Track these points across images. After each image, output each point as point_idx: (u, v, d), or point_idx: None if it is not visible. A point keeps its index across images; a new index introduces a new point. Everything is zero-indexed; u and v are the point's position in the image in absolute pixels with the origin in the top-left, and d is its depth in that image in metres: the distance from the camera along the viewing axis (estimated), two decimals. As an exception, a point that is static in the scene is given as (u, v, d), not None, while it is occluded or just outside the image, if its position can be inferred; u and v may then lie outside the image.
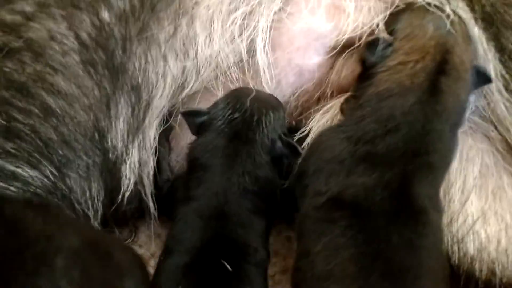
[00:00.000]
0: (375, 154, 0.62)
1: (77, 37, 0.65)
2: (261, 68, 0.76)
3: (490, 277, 0.70)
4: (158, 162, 0.75)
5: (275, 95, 0.79)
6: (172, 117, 0.75)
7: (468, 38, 0.68)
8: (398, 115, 0.63)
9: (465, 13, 0.68)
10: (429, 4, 0.69)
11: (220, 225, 0.64)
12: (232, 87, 0.77)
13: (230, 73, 0.75)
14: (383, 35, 0.70)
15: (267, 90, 0.78)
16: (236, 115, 0.68)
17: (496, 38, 0.67)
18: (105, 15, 0.65)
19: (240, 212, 0.65)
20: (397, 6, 0.72)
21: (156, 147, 0.73)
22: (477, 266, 0.70)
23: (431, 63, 0.65)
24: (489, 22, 0.67)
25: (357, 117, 0.65)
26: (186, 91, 0.73)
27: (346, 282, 0.56)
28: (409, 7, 0.71)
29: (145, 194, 0.73)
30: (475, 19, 0.68)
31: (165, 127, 0.74)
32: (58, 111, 0.64)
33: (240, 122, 0.68)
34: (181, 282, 0.60)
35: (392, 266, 0.56)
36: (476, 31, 0.68)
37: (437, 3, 0.69)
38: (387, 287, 0.55)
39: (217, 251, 0.61)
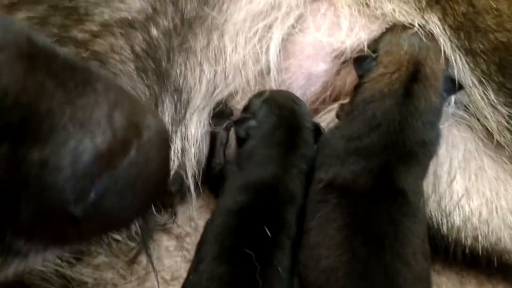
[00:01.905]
0: (362, 148, 0.74)
1: (133, 49, 0.79)
2: (277, 72, 0.91)
3: (474, 244, 0.82)
4: (215, 147, 0.88)
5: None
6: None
7: (439, 52, 0.81)
8: (379, 115, 0.76)
9: (437, 25, 0.81)
10: (408, 23, 0.83)
11: (270, 200, 0.75)
12: (252, 88, 0.90)
13: (251, 77, 0.89)
14: (368, 52, 0.83)
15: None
16: (285, 112, 0.82)
17: (467, 42, 0.80)
18: (154, 32, 0.80)
19: (290, 190, 0.76)
20: (383, 26, 0.86)
21: (196, 138, 0.86)
22: (463, 235, 0.82)
23: (405, 73, 0.78)
24: (460, 29, 0.80)
25: (349, 119, 0.79)
26: (216, 91, 0.88)
27: (333, 248, 0.67)
28: (390, 28, 0.85)
29: (187, 177, 0.86)
30: (445, 29, 0.80)
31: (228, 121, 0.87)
32: None
33: (290, 116, 0.82)
34: (227, 239, 0.71)
35: (371, 234, 0.67)
36: (446, 41, 0.81)
37: (414, 23, 0.82)
38: (367, 251, 0.65)
39: (261, 220, 0.72)
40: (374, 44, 0.85)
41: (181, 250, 0.88)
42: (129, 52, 0.79)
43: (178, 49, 0.83)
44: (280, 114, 0.82)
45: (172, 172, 0.83)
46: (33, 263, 0.43)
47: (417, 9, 0.82)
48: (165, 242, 0.88)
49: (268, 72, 0.90)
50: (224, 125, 0.87)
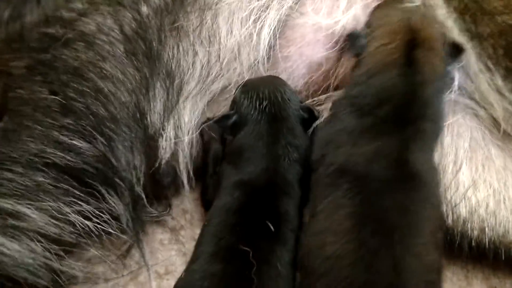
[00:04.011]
0: (373, 126, 0.70)
1: (122, 30, 0.75)
2: (276, 60, 0.87)
3: (481, 236, 0.79)
4: (208, 164, 0.83)
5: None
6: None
7: (433, 18, 0.77)
8: (385, 88, 0.71)
9: (442, 7, 0.78)
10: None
11: (268, 193, 0.73)
12: (249, 76, 0.86)
13: (248, 63, 0.85)
14: (360, 28, 0.80)
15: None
16: (265, 103, 0.78)
17: (473, 26, 0.76)
18: (144, 9, 0.76)
19: (287, 182, 0.74)
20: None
21: (190, 127, 0.82)
22: (469, 227, 0.79)
23: (402, 41, 0.75)
24: (465, 12, 0.77)
25: (354, 95, 0.74)
26: (211, 77, 0.83)
27: (340, 235, 0.63)
28: (381, 4, 0.82)
29: (179, 169, 0.83)
30: (451, 12, 0.77)
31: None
32: (107, 92, 0.75)
33: (271, 106, 0.78)
34: (225, 237, 0.69)
35: (381, 225, 0.63)
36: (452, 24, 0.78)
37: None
38: (375, 242, 0.62)
39: (262, 215, 0.70)
40: (367, 20, 0.81)
41: (175, 243, 0.84)
42: (118, 33, 0.76)
43: (169, 29, 0.78)
44: (260, 105, 0.78)
45: (163, 162, 0.80)
46: None
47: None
48: (159, 235, 0.85)
49: (267, 59, 0.86)
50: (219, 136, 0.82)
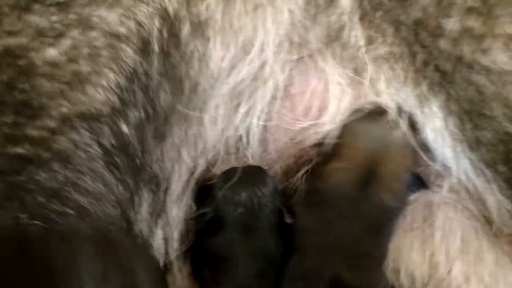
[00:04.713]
0: (320, 245, 0.71)
1: (100, 145, 0.72)
2: (266, 142, 0.83)
3: (472, 333, 0.80)
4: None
5: (279, 165, 0.86)
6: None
7: (405, 149, 0.74)
8: (330, 215, 0.71)
9: (437, 116, 0.75)
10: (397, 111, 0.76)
11: None
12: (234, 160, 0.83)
13: (236, 152, 0.83)
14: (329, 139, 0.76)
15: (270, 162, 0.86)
16: (240, 209, 0.75)
17: (471, 131, 0.74)
18: (124, 128, 0.72)
19: None
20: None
21: (178, 220, 0.80)
22: (460, 323, 0.80)
23: (359, 173, 0.72)
24: (464, 116, 0.74)
25: (308, 209, 0.74)
26: (196, 173, 0.81)
27: None
28: (357, 114, 0.77)
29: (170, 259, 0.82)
30: (448, 119, 0.74)
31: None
32: (90, 208, 0.72)
33: (246, 214, 0.75)
34: None
35: None
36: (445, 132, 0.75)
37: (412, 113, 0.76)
38: None
39: None
40: (341, 130, 0.77)
41: None
42: (97, 148, 0.72)
43: (153, 140, 0.75)
44: (235, 210, 0.75)
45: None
46: None
47: (416, 97, 0.74)
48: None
49: (257, 142, 0.83)
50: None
